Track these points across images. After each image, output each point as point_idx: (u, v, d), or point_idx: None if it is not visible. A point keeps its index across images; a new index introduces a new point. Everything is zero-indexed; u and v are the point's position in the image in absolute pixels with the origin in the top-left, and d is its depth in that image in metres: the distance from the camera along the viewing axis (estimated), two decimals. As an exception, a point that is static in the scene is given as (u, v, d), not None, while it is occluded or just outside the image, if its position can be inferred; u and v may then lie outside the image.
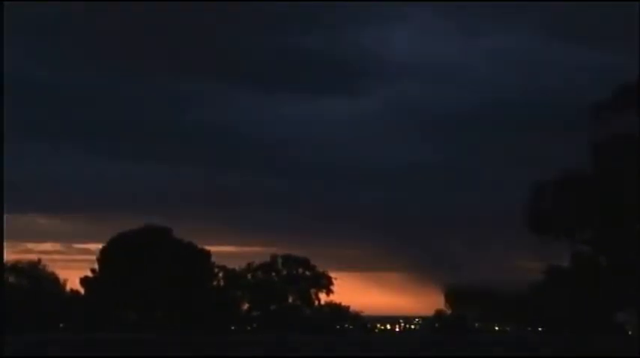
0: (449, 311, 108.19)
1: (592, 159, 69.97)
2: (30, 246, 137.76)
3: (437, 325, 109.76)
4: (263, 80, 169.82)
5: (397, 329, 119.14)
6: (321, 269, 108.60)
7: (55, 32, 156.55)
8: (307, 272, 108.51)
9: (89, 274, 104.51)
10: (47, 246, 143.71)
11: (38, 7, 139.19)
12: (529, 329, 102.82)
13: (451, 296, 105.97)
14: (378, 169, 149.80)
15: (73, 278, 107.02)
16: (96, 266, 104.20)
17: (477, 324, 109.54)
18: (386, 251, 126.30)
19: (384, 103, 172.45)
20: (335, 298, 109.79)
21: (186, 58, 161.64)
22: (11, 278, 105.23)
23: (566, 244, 73.30)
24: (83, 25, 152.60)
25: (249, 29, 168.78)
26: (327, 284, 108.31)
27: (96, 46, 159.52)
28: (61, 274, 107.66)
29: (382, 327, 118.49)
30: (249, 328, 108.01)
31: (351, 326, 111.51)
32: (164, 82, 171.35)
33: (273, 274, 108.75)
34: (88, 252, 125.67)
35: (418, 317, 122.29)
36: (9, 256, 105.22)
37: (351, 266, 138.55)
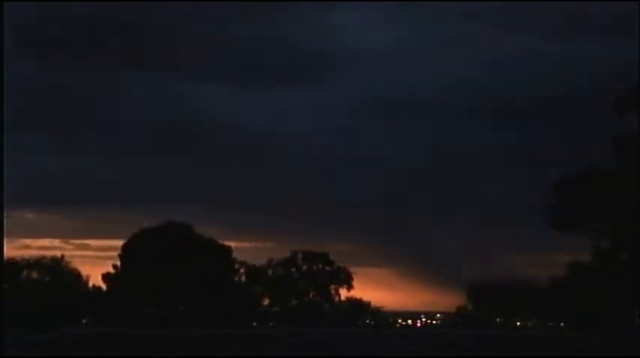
0: (470, 307, 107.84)
1: (613, 153, 69.69)
2: (37, 243, 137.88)
3: (459, 320, 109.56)
4: (225, 72, 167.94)
5: (418, 325, 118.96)
6: (341, 264, 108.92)
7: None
8: (327, 268, 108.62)
9: (111, 270, 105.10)
10: (54, 242, 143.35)
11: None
12: (551, 324, 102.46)
13: (473, 292, 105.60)
14: (359, 160, 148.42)
15: (95, 275, 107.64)
16: (118, 262, 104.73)
17: (498, 320, 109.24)
18: (403, 247, 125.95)
19: (361, 93, 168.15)
20: (356, 293, 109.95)
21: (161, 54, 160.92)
22: (34, 275, 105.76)
23: (587, 239, 72.96)
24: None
25: (205, 19, 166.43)
26: (346, 280, 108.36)
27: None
28: (83, 270, 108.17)
29: (403, 323, 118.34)
30: (270, 324, 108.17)
31: (372, 322, 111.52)
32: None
33: (293, 270, 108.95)
34: (110, 248, 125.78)
35: (440, 313, 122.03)
36: (26, 253, 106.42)
37: (370, 261, 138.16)
